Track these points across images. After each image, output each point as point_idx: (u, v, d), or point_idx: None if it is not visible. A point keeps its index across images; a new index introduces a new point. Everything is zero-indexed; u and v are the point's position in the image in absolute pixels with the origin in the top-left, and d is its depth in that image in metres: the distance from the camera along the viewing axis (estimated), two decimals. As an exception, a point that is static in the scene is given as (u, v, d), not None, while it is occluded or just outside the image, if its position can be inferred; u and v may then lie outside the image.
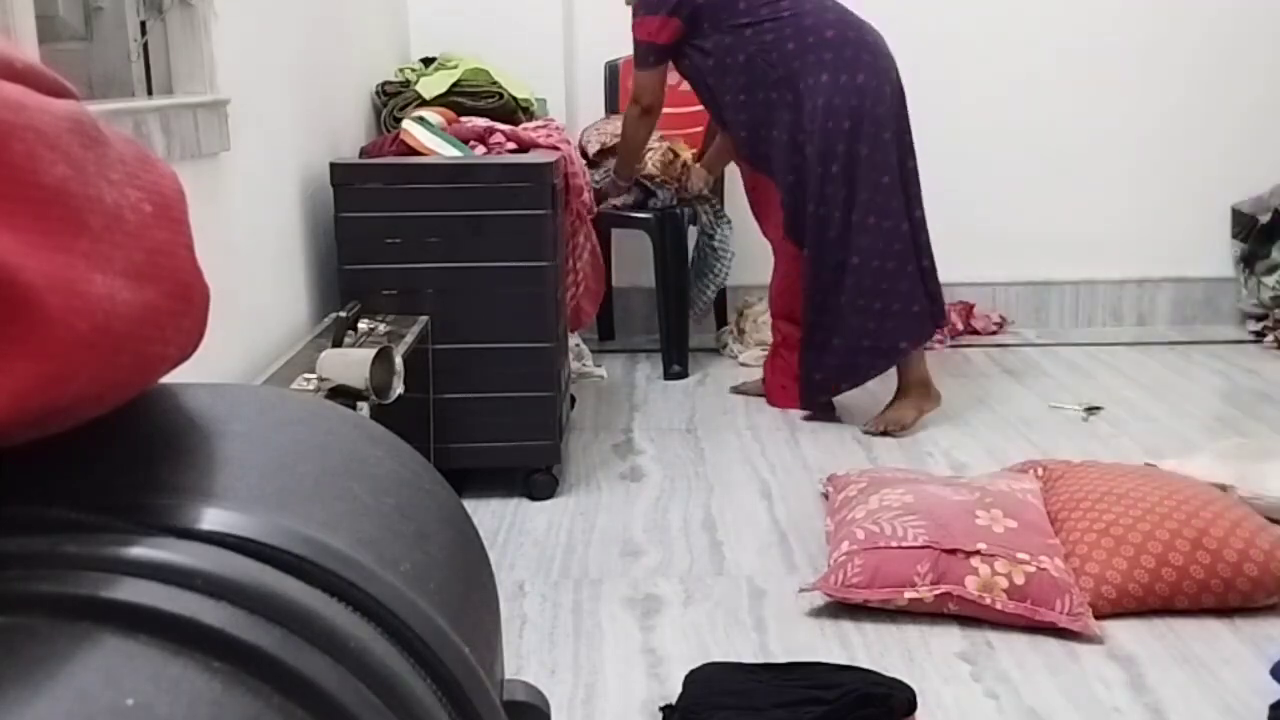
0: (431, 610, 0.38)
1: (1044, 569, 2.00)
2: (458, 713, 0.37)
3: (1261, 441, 2.72)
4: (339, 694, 0.32)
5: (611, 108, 3.95)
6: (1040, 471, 2.44)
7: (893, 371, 3.03)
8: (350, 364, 1.88)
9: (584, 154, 3.44)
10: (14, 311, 0.31)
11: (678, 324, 3.57)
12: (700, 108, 3.90)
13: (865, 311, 2.91)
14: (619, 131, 3.36)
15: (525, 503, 2.59)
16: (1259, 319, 4.03)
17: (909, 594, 2.00)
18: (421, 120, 2.76)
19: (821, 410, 3.11)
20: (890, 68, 2.91)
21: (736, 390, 3.34)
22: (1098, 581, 2.03)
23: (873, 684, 1.73)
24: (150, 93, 1.93)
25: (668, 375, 3.51)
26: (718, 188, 3.70)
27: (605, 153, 3.52)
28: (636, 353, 3.89)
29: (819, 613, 2.06)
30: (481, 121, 2.90)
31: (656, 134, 3.41)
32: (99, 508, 0.34)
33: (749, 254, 4.10)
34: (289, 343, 2.29)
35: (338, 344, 2.06)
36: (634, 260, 3.90)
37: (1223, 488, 2.33)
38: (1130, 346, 3.93)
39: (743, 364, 3.67)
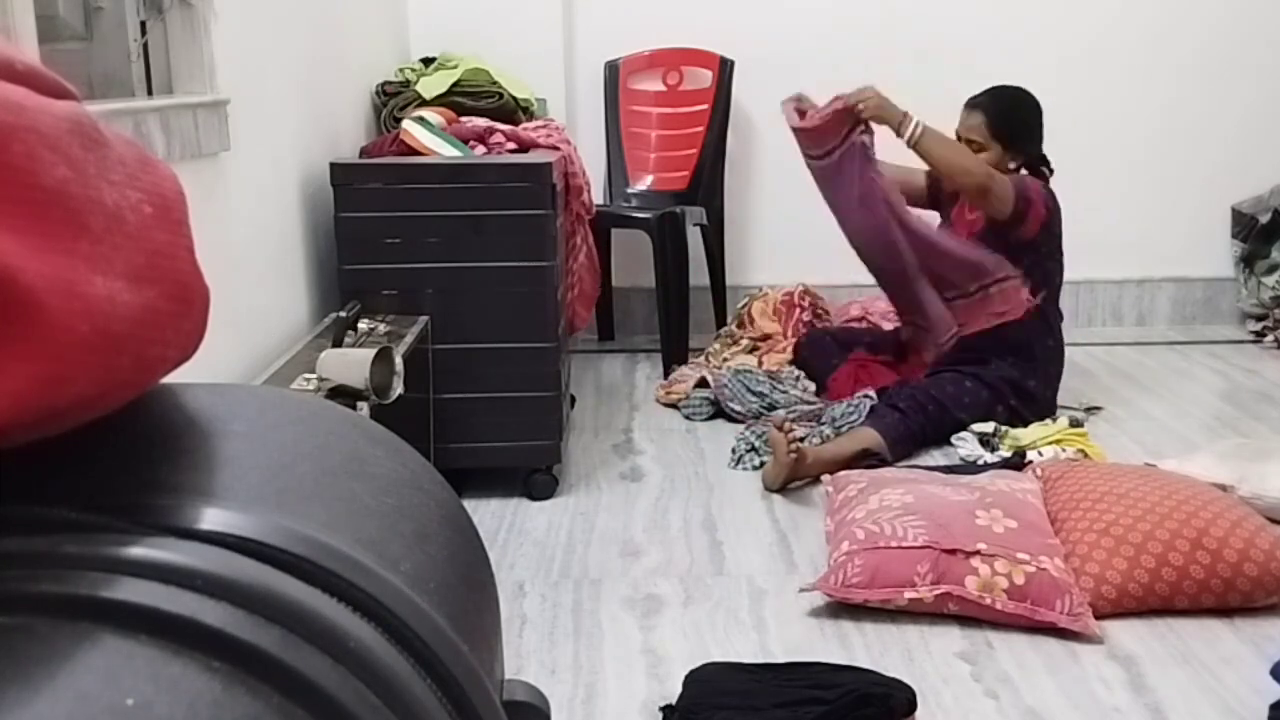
0: (431, 610, 0.38)
1: (1044, 569, 2.00)
2: (458, 713, 0.37)
3: (1261, 441, 2.72)
4: (339, 694, 0.32)
5: (612, 108, 3.95)
6: (1040, 471, 2.44)
7: None
8: (350, 364, 1.88)
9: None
10: (14, 313, 0.31)
11: (678, 324, 3.56)
12: (700, 108, 3.92)
13: None
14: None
15: (525, 503, 2.59)
16: (1259, 319, 4.03)
17: (909, 594, 2.00)
18: (421, 120, 2.76)
19: None
20: None
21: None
22: (1098, 581, 2.03)
23: (873, 684, 1.73)
24: (150, 93, 1.93)
25: (668, 375, 3.50)
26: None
27: None
28: (636, 353, 3.89)
29: (819, 613, 2.06)
30: (481, 121, 2.90)
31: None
32: (99, 508, 0.34)
33: (748, 254, 4.11)
34: (289, 343, 2.29)
35: (338, 344, 2.06)
36: (634, 260, 3.90)
37: (1223, 488, 2.33)
38: (1130, 346, 3.93)
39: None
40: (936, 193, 3.17)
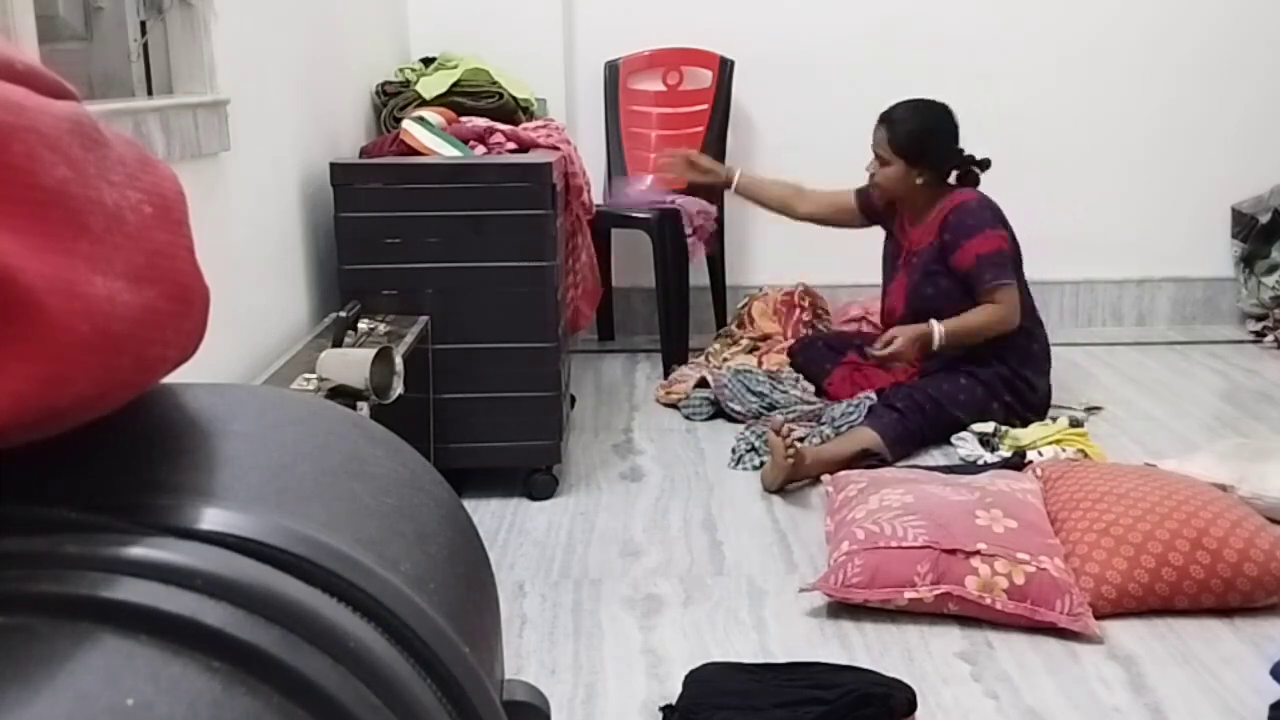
0: (431, 610, 0.38)
1: (1044, 569, 2.00)
2: (458, 713, 0.37)
3: (1261, 441, 2.72)
4: (339, 694, 0.32)
5: (612, 108, 3.95)
6: (1040, 471, 2.44)
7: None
8: (350, 364, 1.88)
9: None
10: (14, 313, 0.31)
11: (678, 324, 3.57)
12: (700, 108, 3.92)
13: None
14: None
15: (525, 503, 2.59)
16: (1259, 319, 4.03)
17: (909, 594, 2.00)
18: (421, 120, 2.76)
19: None
20: None
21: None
22: (1098, 581, 2.03)
23: (873, 684, 1.73)
24: (150, 93, 1.93)
25: (668, 375, 3.50)
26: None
27: None
28: (636, 353, 3.90)
29: (819, 613, 2.06)
30: (481, 121, 2.90)
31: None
32: (99, 508, 0.34)
33: (748, 254, 4.11)
34: (289, 343, 2.29)
35: (338, 344, 2.06)
36: (634, 260, 3.90)
37: (1223, 488, 2.33)
38: (1130, 346, 3.93)
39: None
40: (871, 211, 3.22)
